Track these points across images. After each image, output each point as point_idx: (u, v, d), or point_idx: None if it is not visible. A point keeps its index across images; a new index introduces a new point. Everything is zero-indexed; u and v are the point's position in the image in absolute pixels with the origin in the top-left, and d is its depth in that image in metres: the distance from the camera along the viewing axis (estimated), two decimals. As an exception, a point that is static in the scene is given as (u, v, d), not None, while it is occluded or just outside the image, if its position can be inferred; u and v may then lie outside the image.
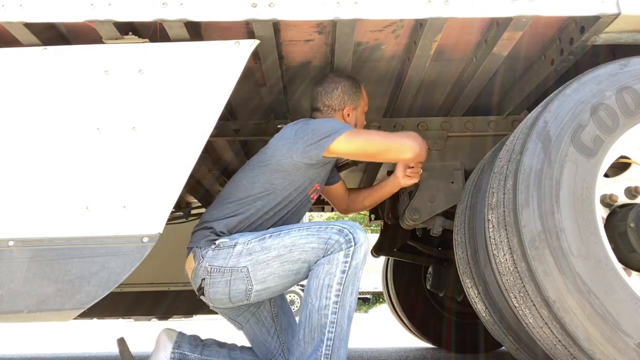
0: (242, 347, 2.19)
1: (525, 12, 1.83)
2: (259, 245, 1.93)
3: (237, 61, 1.85)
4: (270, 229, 2.01)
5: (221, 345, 2.16)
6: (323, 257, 1.86)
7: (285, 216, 2.13)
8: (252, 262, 1.92)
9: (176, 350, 2.08)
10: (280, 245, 1.91)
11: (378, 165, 3.51)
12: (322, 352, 1.80)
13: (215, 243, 1.99)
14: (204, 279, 1.98)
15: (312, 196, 2.21)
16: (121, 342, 2.14)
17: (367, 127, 2.65)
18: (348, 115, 2.25)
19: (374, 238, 4.02)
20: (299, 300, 15.51)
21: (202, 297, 2.03)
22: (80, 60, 1.84)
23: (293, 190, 2.11)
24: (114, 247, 1.76)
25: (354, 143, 2.05)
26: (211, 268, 1.96)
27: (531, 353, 2.10)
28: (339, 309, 1.83)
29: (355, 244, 1.85)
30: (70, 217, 1.77)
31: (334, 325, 1.82)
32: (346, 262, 1.84)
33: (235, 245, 1.96)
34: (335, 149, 2.03)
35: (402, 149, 2.09)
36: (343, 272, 1.83)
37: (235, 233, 2.03)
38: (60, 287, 1.74)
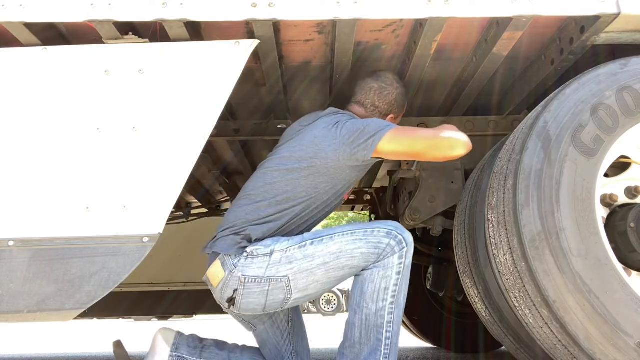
0: (243, 348, 2.16)
1: (525, 12, 1.83)
2: (300, 253, 1.83)
3: (237, 61, 1.85)
4: (307, 234, 1.90)
5: (221, 346, 2.10)
6: (376, 261, 1.82)
7: (318, 219, 2.04)
8: (293, 270, 1.82)
9: (174, 354, 1.98)
10: (325, 252, 1.82)
11: (378, 164, 3.51)
12: (381, 352, 1.81)
13: (247, 251, 1.87)
14: (236, 289, 1.86)
15: (344, 197, 2.12)
16: (118, 345, 2.09)
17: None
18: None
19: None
20: (336, 300, 15.48)
21: (228, 308, 1.93)
22: (80, 60, 1.84)
23: (333, 194, 2.00)
24: (114, 247, 1.76)
25: (401, 141, 1.91)
26: (245, 278, 1.84)
27: (531, 353, 2.10)
28: (395, 308, 1.82)
29: (407, 245, 1.83)
30: (71, 217, 1.76)
31: (391, 325, 1.82)
32: (400, 264, 1.82)
33: (272, 253, 1.84)
34: (382, 148, 1.90)
35: (454, 145, 1.87)
36: (398, 273, 1.82)
37: (267, 238, 1.90)
38: (60, 287, 1.74)
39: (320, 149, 1.96)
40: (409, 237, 1.85)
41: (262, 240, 1.89)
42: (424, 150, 1.91)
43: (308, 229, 2.01)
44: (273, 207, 1.93)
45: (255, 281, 1.84)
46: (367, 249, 1.82)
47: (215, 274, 1.91)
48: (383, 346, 1.81)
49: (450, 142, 1.88)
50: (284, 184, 1.96)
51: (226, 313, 2.14)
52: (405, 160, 2.60)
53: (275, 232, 1.93)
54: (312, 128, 2.04)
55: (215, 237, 1.98)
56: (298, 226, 1.98)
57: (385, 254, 1.82)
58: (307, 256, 1.83)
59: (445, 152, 1.89)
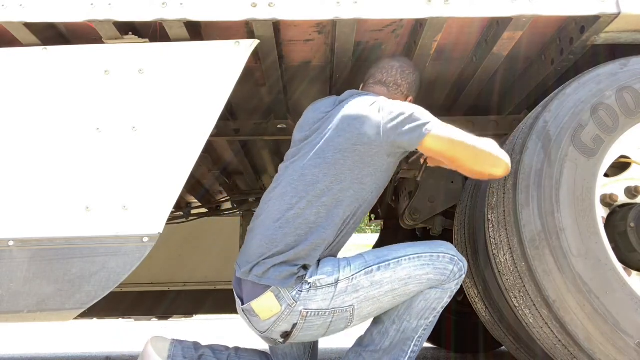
0: (241, 353, 1.99)
1: (525, 11, 1.83)
2: (367, 280, 1.69)
3: (237, 61, 1.85)
4: (368, 256, 1.75)
5: (219, 354, 1.93)
6: (437, 286, 1.75)
7: (356, 227, 1.86)
8: (359, 299, 1.70)
9: None
10: (394, 278, 1.70)
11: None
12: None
13: (308, 282, 1.68)
14: (295, 324, 1.70)
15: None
16: None
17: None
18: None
19: (374, 238, 4.02)
20: None
21: (274, 341, 1.79)
22: (80, 60, 1.83)
23: (377, 193, 1.82)
24: (114, 247, 1.76)
25: (451, 142, 1.72)
26: (307, 312, 1.68)
27: (531, 353, 2.10)
28: (431, 326, 1.79)
29: (464, 273, 1.78)
30: (70, 217, 1.76)
31: (421, 340, 1.78)
32: (455, 290, 1.78)
33: (337, 282, 1.68)
34: (428, 143, 1.72)
35: (497, 164, 1.71)
36: (450, 297, 1.78)
37: (324, 263, 1.73)
38: (60, 287, 1.74)
39: (362, 132, 1.74)
40: (466, 265, 1.79)
41: (319, 265, 1.72)
42: (465, 159, 1.74)
43: (345, 239, 1.85)
44: (323, 215, 1.72)
45: (318, 314, 1.70)
46: (434, 275, 1.73)
47: (269, 307, 1.70)
48: (405, 357, 1.77)
49: (495, 160, 1.71)
50: (328, 181, 1.73)
51: (226, 313, 2.08)
52: (409, 163, 2.61)
53: (328, 249, 1.75)
54: (344, 111, 1.81)
55: (257, 263, 1.73)
56: (345, 235, 1.80)
57: (448, 280, 1.75)
58: (374, 283, 1.70)
59: (485, 168, 1.72)
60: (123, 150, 1.80)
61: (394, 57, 2.06)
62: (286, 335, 1.73)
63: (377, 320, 1.83)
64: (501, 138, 2.39)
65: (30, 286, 1.73)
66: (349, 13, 1.80)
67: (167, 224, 1.80)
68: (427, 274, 1.72)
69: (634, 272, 1.79)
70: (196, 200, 3.80)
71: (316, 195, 1.73)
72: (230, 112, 2.62)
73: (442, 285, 1.74)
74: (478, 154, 1.71)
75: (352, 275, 1.70)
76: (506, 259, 1.81)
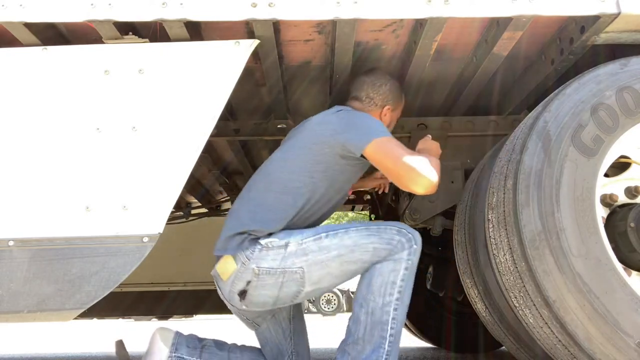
0: (243, 347, 2.15)
1: (525, 11, 1.83)
2: (315, 245, 1.85)
3: (237, 61, 1.85)
4: (320, 228, 1.91)
5: (220, 346, 2.08)
6: (387, 256, 1.85)
7: (321, 215, 2.03)
8: (308, 262, 1.83)
9: (173, 355, 1.94)
10: (340, 244, 1.84)
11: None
12: (384, 349, 1.81)
13: (261, 243, 1.86)
14: (249, 281, 1.86)
15: (348, 193, 2.13)
16: (119, 344, 2.06)
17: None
18: (385, 114, 2.21)
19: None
20: (336, 300, 15.48)
21: (237, 303, 1.92)
22: (80, 60, 1.84)
23: (331, 187, 1.98)
24: (114, 247, 1.76)
25: (387, 154, 1.88)
26: (259, 270, 1.84)
27: (531, 353, 2.10)
28: (400, 305, 1.84)
29: (415, 244, 1.86)
30: (70, 217, 1.76)
31: (396, 322, 1.83)
32: (409, 260, 1.85)
33: (287, 245, 1.85)
34: (370, 151, 1.89)
35: (417, 181, 1.83)
36: (406, 269, 1.84)
37: (279, 232, 1.90)
38: (60, 287, 1.74)
39: (318, 133, 1.96)
40: (418, 237, 1.88)
41: (276, 234, 1.89)
42: (393, 172, 1.88)
43: (314, 226, 2.01)
44: (272, 200, 1.93)
45: (269, 273, 1.84)
46: (379, 244, 1.84)
47: (226, 267, 1.90)
48: (387, 343, 1.82)
49: (418, 178, 1.83)
50: (280, 172, 1.97)
51: (226, 313, 2.13)
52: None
53: (283, 228, 1.91)
54: (315, 118, 2.05)
55: (222, 239, 1.95)
56: (304, 220, 1.97)
57: (397, 249, 1.84)
58: (322, 248, 1.84)
59: (408, 183, 1.86)
60: (123, 150, 1.80)
61: (367, 72, 2.22)
62: (242, 293, 1.89)
63: (352, 313, 1.92)
64: (501, 138, 2.40)
65: (30, 286, 1.73)
66: (349, 13, 1.80)
67: (167, 224, 1.80)
68: (372, 242, 1.84)
69: (634, 272, 1.79)
70: (196, 200, 3.80)
71: (268, 182, 1.97)
72: (230, 112, 2.62)
73: (391, 256, 1.84)
74: (405, 170, 1.84)
75: (302, 240, 1.86)
76: (506, 259, 1.81)
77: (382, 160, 1.90)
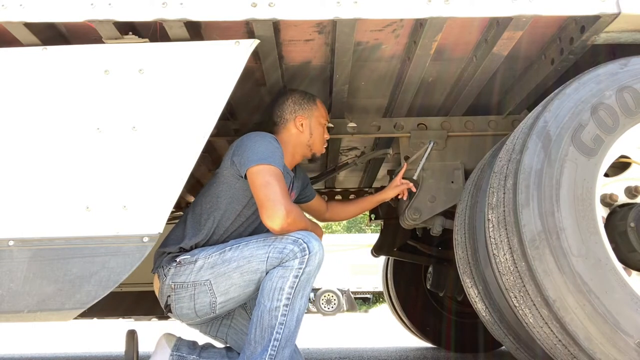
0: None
1: (525, 11, 1.83)
2: (219, 258, 1.99)
3: (237, 61, 1.85)
4: (230, 242, 2.05)
5: (219, 348, 2.23)
6: (278, 265, 1.92)
7: (239, 229, 2.16)
8: (213, 274, 1.98)
9: (175, 353, 2.13)
10: (239, 256, 1.96)
11: (378, 164, 3.51)
12: (267, 352, 1.87)
13: (176, 260, 2.05)
14: (169, 296, 2.04)
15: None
16: (131, 334, 2.21)
17: (367, 127, 2.66)
18: (301, 124, 2.30)
19: (374, 238, 4.02)
20: (336, 300, 15.51)
21: (170, 314, 2.10)
22: (80, 60, 1.84)
23: (238, 203, 2.12)
24: (114, 247, 1.76)
25: (255, 180, 1.99)
26: (174, 285, 2.02)
27: (531, 352, 2.10)
28: (289, 311, 1.89)
29: (309, 253, 1.91)
30: (70, 217, 1.77)
31: (282, 327, 1.88)
32: (300, 269, 1.90)
33: (196, 260, 2.01)
34: (249, 177, 2.02)
35: (270, 216, 1.93)
36: (296, 277, 1.90)
37: (193, 250, 2.08)
38: (60, 287, 1.74)
39: (224, 160, 2.16)
40: (316, 247, 1.92)
41: (191, 251, 2.07)
42: (259, 202, 1.98)
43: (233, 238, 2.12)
44: (195, 223, 2.12)
45: (182, 287, 2.02)
46: (272, 254, 1.93)
47: (155, 284, 2.14)
48: (271, 347, 1.87)
49: (271, 214, 1.92)
50: (201, 195, 2.18)
51: None
52: (409, 161, 2.62)
53: (200, 244, 2.10)
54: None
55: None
56: (219, 237, 2.12)
57: (287, 258, 1.91)
58: (225, 261, 1.98)
59: (264, 215, 1.94)
60: (123, 150, 1.80)
61: (273, 99, 2.41)
62: (167, 307, 2.08)
63: None
64: (501, 138, 2.40)
65: (30, 286, 1.73)
66: (349, 13, 1.80)
67: (167, 223, 1.80)
68: (267, 252, 1.94)
69: (634, 272, 1.79)
70: (196, 200, 3.79)
71: (193, 204, 2.20)
72: (230, 112, 2.62)
73: (283, 263, 1.91)
74: (264, 203, 1.95)
75: (209, 254, 2.02)
76: (506, 259, 1.81)
77: (253, 187, 2.01)
